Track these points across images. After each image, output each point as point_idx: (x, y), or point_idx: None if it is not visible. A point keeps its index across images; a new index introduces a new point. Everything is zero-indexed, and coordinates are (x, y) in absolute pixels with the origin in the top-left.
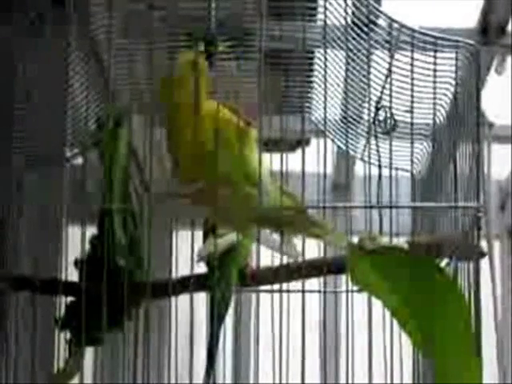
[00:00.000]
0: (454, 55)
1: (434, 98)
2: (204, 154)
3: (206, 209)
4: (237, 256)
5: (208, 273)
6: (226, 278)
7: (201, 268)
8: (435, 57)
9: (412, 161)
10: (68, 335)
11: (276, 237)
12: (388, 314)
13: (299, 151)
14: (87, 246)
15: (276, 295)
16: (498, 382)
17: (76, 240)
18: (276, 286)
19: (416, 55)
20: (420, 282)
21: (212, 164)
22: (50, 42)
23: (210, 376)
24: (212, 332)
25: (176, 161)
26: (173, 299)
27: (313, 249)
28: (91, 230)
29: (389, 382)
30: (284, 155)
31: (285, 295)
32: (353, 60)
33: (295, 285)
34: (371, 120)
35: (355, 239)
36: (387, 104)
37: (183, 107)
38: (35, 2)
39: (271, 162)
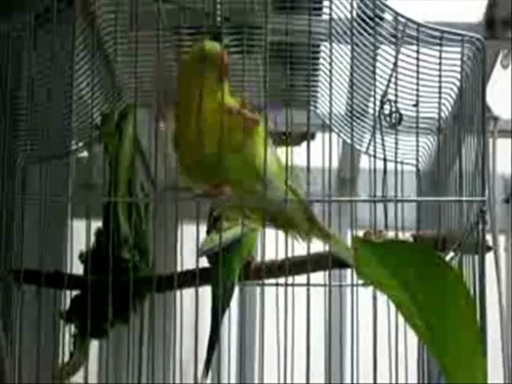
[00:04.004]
0: (459, 49)
1: (440, 92)
2: (210, 154)
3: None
4: (240, 250)
5: (210, 267)
6: (228, 272)
7: (206, 262)
8: (441, 51)
9: (417, 155)
10: (73, 328)
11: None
12: (393, 307)
13: (304, 145)
14: (92, 240)
15: (281, 289)
16: (503, 378)
17: (81, 234)
18: (281, 280)
19: (422, 49)
20: (426, 277)
21: (218, 164)
22: (56, 35)
23: (209, 369)
24: (213, 325)
25: (181, 159)
26: (178, 293)
27: (318, 242)
28: (96, 224)
29: (394, 374)
30: (289, 149)
31: (290, 289)
32: (358, 54)
33: (300, 278)
34: (377, 114)
35: (360, 233)
36: (393, 98)
37: (190, 104)
38: None
39: (287, 157)
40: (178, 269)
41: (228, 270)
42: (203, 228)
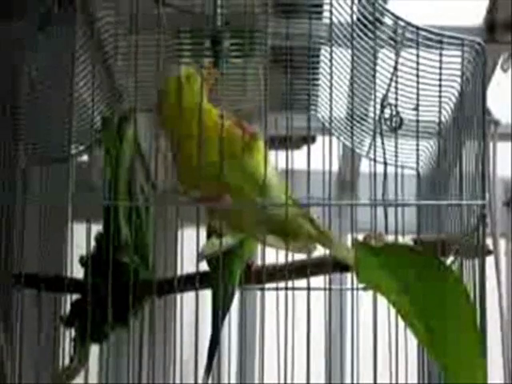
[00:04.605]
0: (459, 53)
1: (440, 96)
2: (209, 166)
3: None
4: (241, 254)
5: (210, 271)
6: (228, 277)
7: (206, 266)
8: (441, 54)
9: (417, 159)
10: (73, 333)
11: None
12: (393, 311)
13: (305, 149)
14: (92, 244)
15: (281, 293)
16: (503, 381)
17: (81, 237)
18: (281, 284)
19: (422, 53)
20: (426, 280)
21: (218, 175)
22: (57, 38)
23: (210, 374)
24: (213, 329)
25: (180, 171)
26: (178, 297)
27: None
28: (96, 228)
29: (394, 380)
30: (289, 153)
31: (290, 293)
32: (358, 58)
33: (300, 282)
34: (377, 118)
35: (361, 237)
36: (393, 102)
37: (186, 120)
38: (42, 1)
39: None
40: (178, 273)
41: (229, 275)
42: (203, 231)
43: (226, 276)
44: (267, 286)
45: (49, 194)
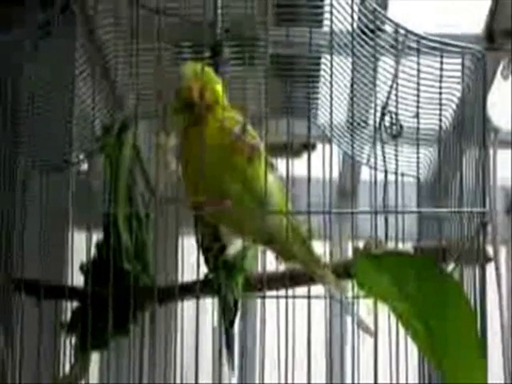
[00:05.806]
0: (459, 60)
1: (440, 104)
2: (211, 180)
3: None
4: (243, 262)
5: (214, 278)
6: (233, 284)
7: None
8: (441, 62)
9: (418, 166)
10: (74, 340)
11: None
12: (394, 318)
13: (305, 156)
14: (93, 251)
15: (282, 301)
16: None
17: (82, 244)
18: (282, 292)
19: (422, 61)
20: (426, 287)
21: (220, 188)
22: (57, 46)
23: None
24: (227, 336)
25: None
26: (178, 304)
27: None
28: (97, 235)
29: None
30: (289, 160)
31: (290, 301)
32: (359, 65)
33: (301, 290)
34: (377, 125)
35: (361, 244)
36: (393, 109)
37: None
38: (43, 7)
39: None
40: (180, 279)
41: (233, 282)
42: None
43: (231, 283)
44: (268, 293)
45: (49, 202)
